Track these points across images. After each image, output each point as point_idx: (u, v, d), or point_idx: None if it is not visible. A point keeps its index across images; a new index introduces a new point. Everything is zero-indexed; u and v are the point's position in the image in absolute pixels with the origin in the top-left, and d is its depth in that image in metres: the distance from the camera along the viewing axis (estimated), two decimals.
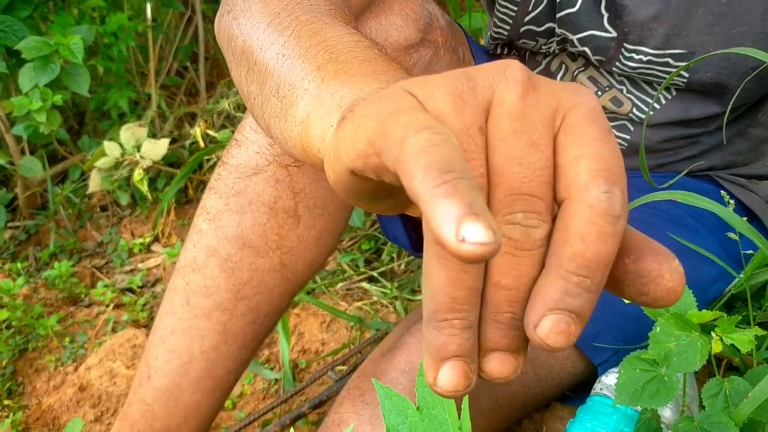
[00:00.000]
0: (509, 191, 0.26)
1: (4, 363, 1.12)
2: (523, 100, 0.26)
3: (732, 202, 0.67)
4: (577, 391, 0.78)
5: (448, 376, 0.26)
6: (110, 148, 1.38)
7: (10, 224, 1.53)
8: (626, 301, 0.77)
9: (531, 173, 0.26)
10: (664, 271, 0.26)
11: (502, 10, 0.81)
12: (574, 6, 0.75)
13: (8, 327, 1.18)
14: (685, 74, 0.73)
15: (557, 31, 0.78)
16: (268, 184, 0.70)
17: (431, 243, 0.25)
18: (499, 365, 0.27)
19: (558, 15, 0.77)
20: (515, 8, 0.80)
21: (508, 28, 0.82)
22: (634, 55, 0.74)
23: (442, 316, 0.26)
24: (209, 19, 1.98)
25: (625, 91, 0.79)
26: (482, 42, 1.04)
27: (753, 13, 0.68)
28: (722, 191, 0.70)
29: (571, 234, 0.25)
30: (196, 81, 1.82)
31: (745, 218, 0.66)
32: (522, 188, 0.26)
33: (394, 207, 0.32)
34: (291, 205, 0.71)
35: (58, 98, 1.37)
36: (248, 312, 0.73)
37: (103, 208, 1.54)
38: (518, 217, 0.26)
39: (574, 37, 0.77)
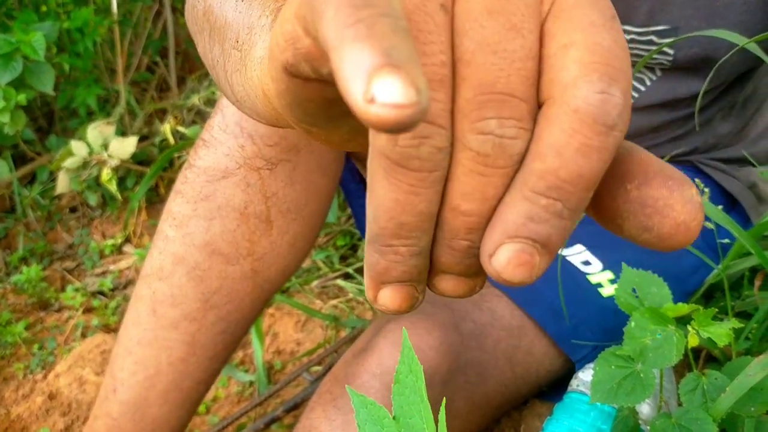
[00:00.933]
0: (480, 89, 0.20)
1: None
2: None
3: (707, 190, 0.66)
4: (555, 386, 0.77)
5: (390, 298, 0.23)
6: (77, 147, 1.34)
7: None
8: (604, 295, 0.75)
9: (509, 65, 0.20)
10: (674, 199, 0.21)
11: None
12: None
13: None
14: (670, 53, 0.71)
15: None
16: (239, 188, 0.67)
17: (377, 153, 0.20)
18: (452, 286, 0.24)
19: None
20: None
21: None
22: None
23: (386, 242, 0.22)
24: (179, 12, 1.94)
25: None
26: None
27: (734, 9, 0.66)
28: (697, 179, 0.69)
29: (544, 145, 0.20)
30: (167, 76, 1.78)
31: (720, 206, 0.64)
32: (497, 85, 0.20)
33: (356, 131, 0.26)
34: (263, 210, 0.68)
35: (21, 97, 1.33)
36: (218, 321, 0.71)
37: (73, 209, 1.51)
38: (491, 125, 0.20)
39: None
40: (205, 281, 0.69)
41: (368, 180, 0.21)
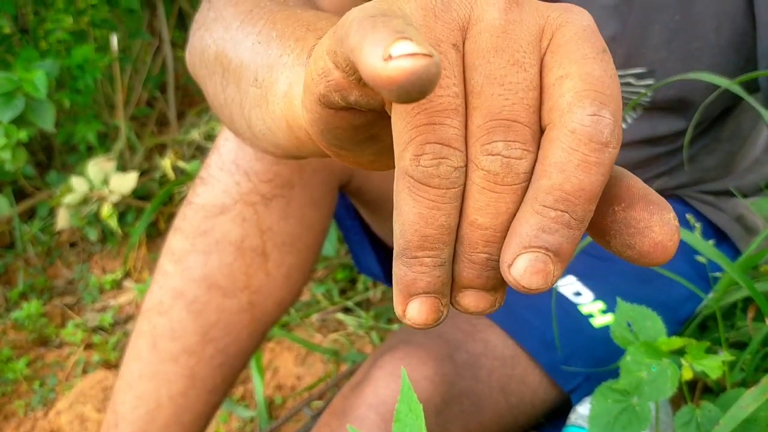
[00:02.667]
0: (489, 116, 0.23)
1: None
2: (506, 16, 0.24)
3: (698, 225, 0.67)
4: (553, 419, 0.78)
5: (417, 311, 0.25)
6: (77, 183, 1.35)
7: None
8: (595, 326, 0.77)
9: (513, 95, 0.23)
10: (653, 222, 0.24)
11: None
12: None
13: None
14: (649, 94, 0.74)
15: None
16: (235, 223, 0.68)
17: (402, 174, 0.23)
18: (474, 301, 0.26)
19: None
20: None
21: None
22: None
23: (412, 254, 0.24)
24: (179, 47, 1.97)
25: None
26: None
27: (707, 28, 0.68)
28: (687, 215, 0.70)
29: (548, 164, 0.23)
30: (167, 111, 1.80)
31: (711, 241, 0.66)
32: (503, 113, 0.23)
33: (380, 153, 0.30)
34: (259, 244, 0.69)
35: (23, 135, 1.35)
36: (217, 354, 0.72)
37: (73, 245, 1.52)
38: (498, 147, 0.23)
39: None
40: (204, 315, 0.70)
41: (395, 200, 0.24)
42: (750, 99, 0.64)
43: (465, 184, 0.24)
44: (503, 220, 0.24)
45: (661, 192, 0.83)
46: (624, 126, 0.79)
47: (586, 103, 0.22)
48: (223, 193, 0.68)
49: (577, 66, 0.23)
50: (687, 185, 0.84)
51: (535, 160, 0.23)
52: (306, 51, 0.33)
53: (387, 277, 0.95)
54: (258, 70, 0.37)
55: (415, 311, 0.25)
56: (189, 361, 0.71)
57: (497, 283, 0.25)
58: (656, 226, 0.24)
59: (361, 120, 0.27)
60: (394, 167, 0.29)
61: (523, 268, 0.23)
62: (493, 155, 0.23)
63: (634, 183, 0.25)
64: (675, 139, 0.79)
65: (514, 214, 0.24)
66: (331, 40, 0.24)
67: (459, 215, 0.24)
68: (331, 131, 0.28)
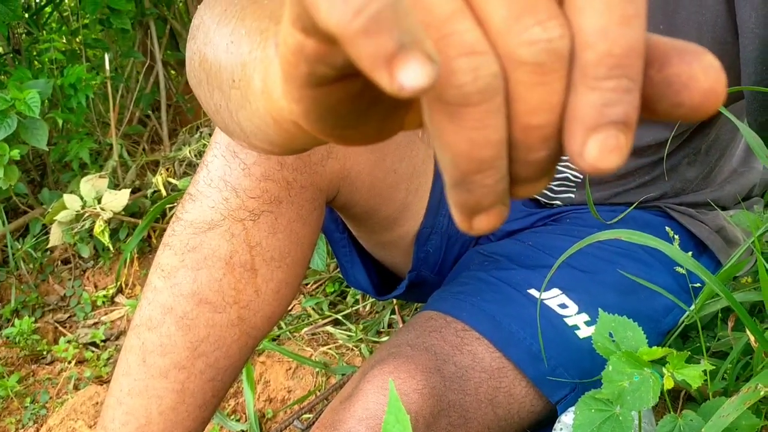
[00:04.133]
0: (509, 2, 0.21)
1: None
2: None
3: (677, 237, 0.69)
4: (539, 430, 0.79)
5: (486, 222, 0.24)
6: (70, 200, 1.37)
7: None
8: (580, 337, 0.78)
9: None
10: (695, 71, 0.22)
11: None
12: None
13: None
14: None
15: None
16: (224, 238, 0.69)
17: (436, 105, 0.21)
18: (532, 189, 0.25)
19: None
20: None
21: None
22: None
23: (472, 179, 0.22)
24: (170, 66, 1.99)
25: None
26: None
27: (689, 37, 0.70)
28: (667, 227, 0.72)
29: (588, 33, 0.21)
30: (159, 128, 1.82)
31: (690, 253, 0.67)
32: None
33: (387, 116, 0.27)
34: (247, 259, 0.70)
35: (15, 153, 1.36)
36: (206, 369, 0.72)
37: (65, 261, 1.52)
38: (536, 32, 0.21)
39: None
40: (193, 330, 0.70)
41: (435, 134, 0.22)
42: (727, 112, 0.66)
43: (507, 88, 0.22)
44: (557, 113, 0.22)
45: (644, 203, 0.85)
46: None
47: None
48: (212, 209, 0.69)
49: None
50: (669, 196, 0.85)
51: (572, 36, 0.21)
52: (271, 40, 0.31)
53: (375, 290, 0.96)
54: (234, 71, 0.36)
55: (483, 223, 0.24)
56: (179, 377, 0.71)
57: (554, 167, 0.24)
58: (700, 75, 0.22)
59: (359, 83, 0.24)
60: (403, 127, 0.28)
61: (597, 152, 0.21)
62: (533, 44, 0.21)
63: (656, 39, 0.23)
64: (658, 149, 0.80)
65: (566, 102, 0.22)
66: (291, 8, 0.22)
67: (508, 122, 0.22)
68: (331, 112, 0.26)
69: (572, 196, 0.86)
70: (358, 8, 0.18)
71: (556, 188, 0.86)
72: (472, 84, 0.21)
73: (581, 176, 0.83)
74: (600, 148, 0.21)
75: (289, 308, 1.23)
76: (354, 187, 0.76)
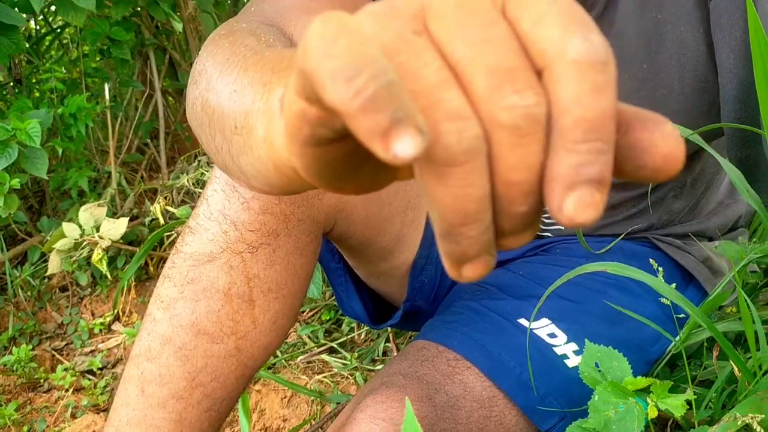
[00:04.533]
0: (489, 73, 0.23)
1: None
2: None
3: (661, 269, 0.71)
4: None
5: (473, 271, 0.26)
6: (69, 229, 1.38)
7: None
8: (569, 366, 0.79)
9: (502, 45, 0.23)
10: (656, 138, 0.24)
11: None
12: None
13: None
14: None
15: None
16: (222, 270, 0.71)
17: (425, 165, 0.24)
18: (515, 242, 0.27)
19: None
20: None
21: None
22: None
23: (458, 231, 0.25)
24: (169, 94, 2.02)
25: None
26: None
27: (671, 77, 0.73)
28: (651, 259, 0.74)
29: (564, 102, 0.23)
30: (157, 157, 1.84)
31: (674, 285, 0.69)
32: (501, 65, 0.23)
33: (378, 170, 0.30)
34: (245, 291, 0.72)
35: (15, 182, 1.38)
36: (204, 399, 0.74)
37: (63, 289, 1.54)
38: (514, 99, 0.23)
39: None
40: (191, 360, 0.72)
41: (422, 187, 0.25)
42: (709, 147, 0.69)
43: (489, 148, 0.24)
44: (537, 169, 0.24)
45: (632, 234, 0.87)
46: None
47: (575, 32, 0.23)
48: (211, 241, 0.71)
49: (545, 6, 0.24)
50: (656, 227, 0.87)
51: (548, 103, 0.24)
52: (274, 93, 0.34)
53: (370, 319, 0.98)
54: (237, 118, 0.39)
55: (470, 272, 0.26)
56: (177, 407, 0.73)
57: (537, 222, 0.26)
58: (660, 141, 0.24)
59: (353, 143, 0.27)
60: (396, 179, 0.30)
61: (573, 207, 0.23)
62: (511, 109, 0.23)
63: (622, 107, 0.25)
64: (643, 183, 0.83)
65: (544, 160, 0.24)
66: (297, 80, 0.25)
67: (491, 178, 0.24)
68: (328, 167, 0.28)
69: (561, 227, 0.88)
70: (358, 90, 0.21)
71: (546, 220, 0.88)
72: (457, 145, 0.23)
73: None
74: (576, 204, 0.24)
75: (281, 345, 1.24)
76: (350, 219, 0.78)
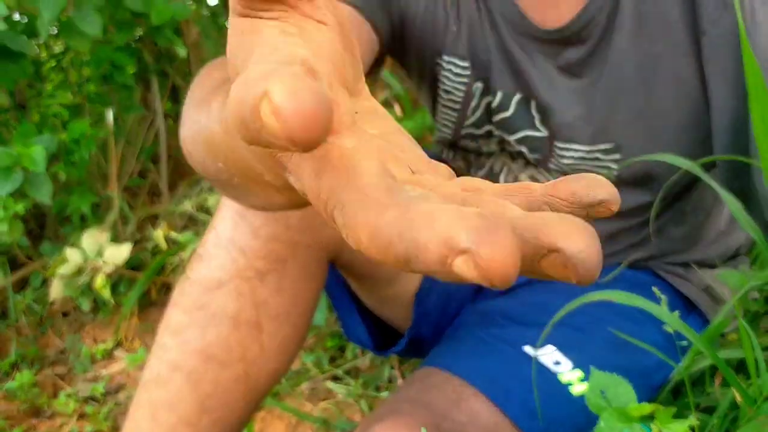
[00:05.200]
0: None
1: None
2: None
3: (664, 297, 0.72)
4: None
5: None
6: (72, 254, 1.39)
7: None
8: (574, 394, 0.80)
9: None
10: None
11: (443, 116, 0.88)
12: (507, 110, 0.82)
13: None
14: (615, 168, 0.80)
15: (495, 132, 0.85)
16: (231, 297, 0.72)
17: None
18: None
19: (494, 119, 0.83)
20: (456, 114, 0.87)
21: (450, 132, 0.89)
22: (566, 153, 0.81)
23: None
24: (171, 118, 2.03)
25: None
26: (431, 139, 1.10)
27: (667, 108, 0.75)
28: (654, 287, 0.75)
29: None
30: (159, 182, 1.85)
31: (677, 312, 0.70)
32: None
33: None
34: (253, 317, 0.73)
35: (20, 207, 1.38)
36: (212, 425, 0.74)
37: (65, 314, 1.54)
38: None
39: (511, 138, 0.83)
40: (201, 386, 0.73)
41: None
42: (707, 178, 0.70)
43: None
44: None
45: (633, 264, 0.88)
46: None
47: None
48: (220, 269, 0.73)
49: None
50: (657, 257, 0.89)
51: None
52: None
53: (375, 345, 0.99)
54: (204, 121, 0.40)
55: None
56: None
57: None
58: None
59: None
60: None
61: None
62: None
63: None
64: (643, 212, 0.84)
65: None
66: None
67: None
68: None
69: None
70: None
71: None
72: None
73: None
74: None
75: (288, 370, 1.25)
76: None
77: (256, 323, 0.73)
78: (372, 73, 0.88)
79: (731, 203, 0.71)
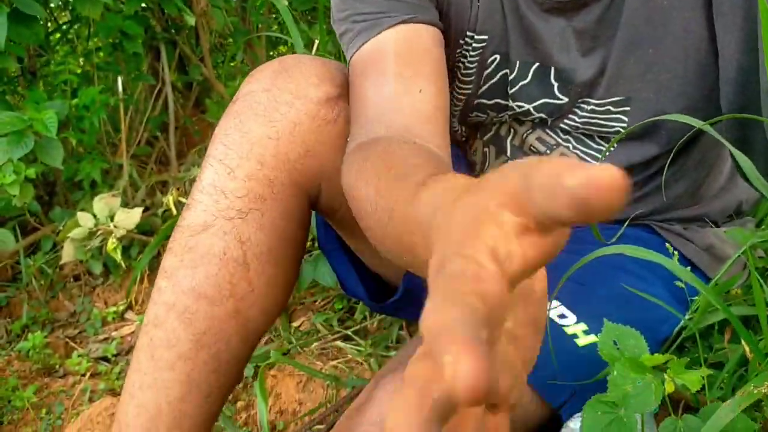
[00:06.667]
0: None
1: None
2: None
3: (676, 252, 0.73)
4: None
5: None
6: (83, 218, 1.40)
7: None
8: (579, 345, 0.82)
9: None
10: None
11: (458, 89, 0.89)
12: (526, 78, 0.83)
13: None
14: (625, 120, 0.81)
15: (510, 104, 0.86)
16: (216, 236, 0.75)
17: None
18: None
19: (511, 90, 0.84)
20: (470, 87, 0.87)
21: (460, 104, 0.90)
22: (580, 110, 0.82)
23: None
24: (178, 90, 2.04)
25: (571, 147, 0.87)
26: None
27: (675, 61, 0.76)
28: (667, 243, 0.76)
29: None
30: (167, 150, 1.86)
31: (688, 267, 0.72)
32: None
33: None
34: (239, 254, 0.76)
35: (31, 171, 1.39)
36: (210, 360, 0.77)
37: (76, 278, 1.56)
38: None
39: (530, 106, 0.84)
40: (195, 323, 0.75)
41: None
42: (722, 138, 0.71)
43: None
44: None
45: (634, 220, 0.90)
46: (601, 158, 0.85)
47: None
48: (204, 212, 0.76)
49: None
50: (659, 212, 0.90)
51: None
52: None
53: (371, 297, 1.00)
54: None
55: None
56: (184, 367, 0.76)
57: None
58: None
59: None
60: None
61: None
62: None
63: None
64: (647, 166, 0.85)
65: None
66: None
67: None
68: None
69: None
70: None
71: None
72: None
73: None
74: None
75: (299, 324, 1.26)
76: (333, 184, 0.81)
77: (242, 261, 0.76)
78: None
79: (741, 159, 0.71)
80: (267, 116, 0.76)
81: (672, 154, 0.84)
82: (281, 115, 0.76)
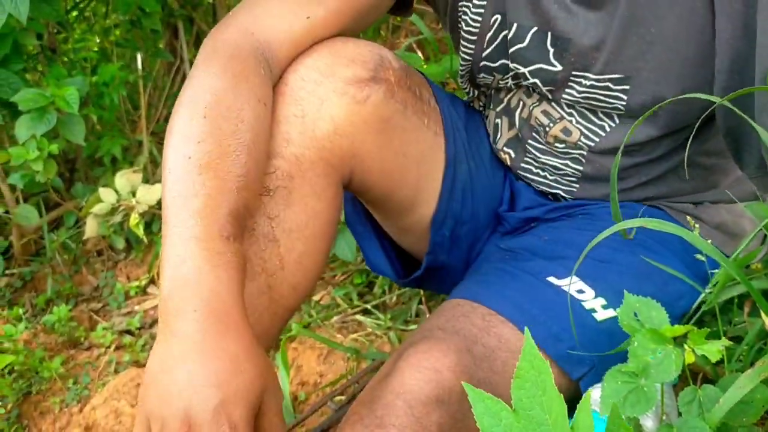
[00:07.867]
0: None
1: (9, 407, 1.15)
2: None
3: (697, 226, 0.74)
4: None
5: None
6: (106, 194, 1.42)
7: (6, 272, 1.56)
8: (598, 319, 0.82)
9: None
10: None
11: (463, 49, 0.90)
12: (523, 41, 0.83)
13: (11, 372, 1.21)
14: (624, 98, 0.81)
15: (510, 66, 0.86)
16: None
17: None
18: None
19: (510, 50, 0.85)
20: (473, 46, 0.88)
21: (468, 64, 0.91)
22: (580, 82, 0.82)
23: None
24: None
25: (574, 122, 0.87)
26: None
27: (678, 41, 0.76)
28: (688, 216, 0.76)
29: None
30: None
31: (709, 240, 0.72)
32: None
33: None
34: (269, 231, 0.76)
35: (54, 147, 1.41)
36: None
37: (99, 253, 1.58)
38: None
39: (525, 70, 0.85)
40: None
41: None
42: (747, 117, 0.71)
43: None
44: None
45: (642, 200, 0.90)
46: (603, 133, 0.86)
47: None
48: None
49: None
50: (668, 196, 0.90)
51: None
52: None
53: (395, 273, 1.01)
54: None
55: None
56: None
57: None
58: None
59: None
60: None
61: None
62: None
63: None
64: (652, 148, 0.85)
65: None
66: None
67: None
68: None
69: (574, 189, 0.91)
70: None
71: (561, 179, 0.92)
72: None
73: (580, 170, 0.89)
74: None
75: (319, 298, 1.28)
76: (365, 166, 0.81)
77: (272, 237, 0.76)
78: (402, 10, 0.90)
79: (765, 136, 0.71)
80: (292, 95, 0.77)
81: (680, 142, 0.83)
82: (307, 93, 0.76)
